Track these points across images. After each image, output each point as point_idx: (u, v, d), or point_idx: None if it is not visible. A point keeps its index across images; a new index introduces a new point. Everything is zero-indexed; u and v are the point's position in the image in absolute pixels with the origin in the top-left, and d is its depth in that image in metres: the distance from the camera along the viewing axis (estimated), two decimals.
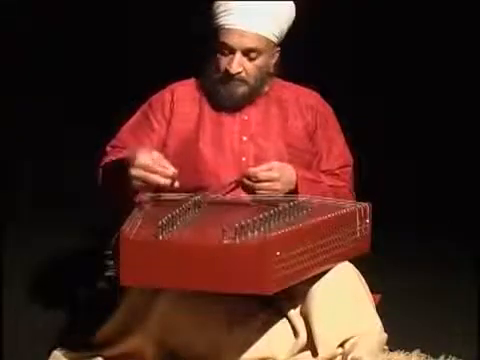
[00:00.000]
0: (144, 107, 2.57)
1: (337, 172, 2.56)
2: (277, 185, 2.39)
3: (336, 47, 4.29)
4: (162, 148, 2.46)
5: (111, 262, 2.47)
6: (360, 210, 2.28)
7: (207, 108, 2.52)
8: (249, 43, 2.42)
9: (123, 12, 4.40)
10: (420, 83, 4.36)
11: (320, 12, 3.86)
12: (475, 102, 4.30)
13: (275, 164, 2.41)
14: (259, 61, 2.46)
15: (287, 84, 2.62)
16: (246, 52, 2.43)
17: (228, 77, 2.44)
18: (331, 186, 2.51)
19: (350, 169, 2.60)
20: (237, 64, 2.42)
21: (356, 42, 4.34)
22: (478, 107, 4.31)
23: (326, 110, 2.61)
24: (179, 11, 4.05)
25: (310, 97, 2.60)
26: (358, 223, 2.28)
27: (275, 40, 2.48)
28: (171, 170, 2.22)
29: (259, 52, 2.44)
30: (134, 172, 2.21)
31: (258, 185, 2.39)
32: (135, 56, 4.36)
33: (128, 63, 4.38)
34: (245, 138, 2.50)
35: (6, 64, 4.16)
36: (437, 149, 4.27)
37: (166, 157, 2.34)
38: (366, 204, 2.31)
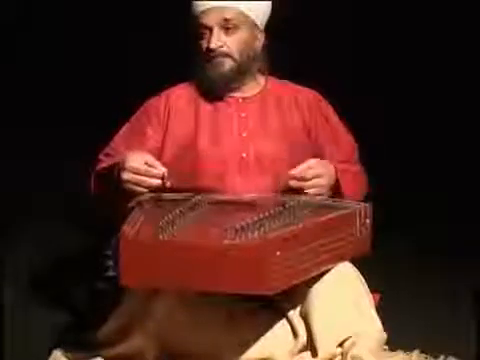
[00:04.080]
0: (137, 114, 2.57)
1: (352, 160, 2.59)
2: (323, 181, 2.39)
3: (336, 47, 4.29)
4: (157, 154, 2.45)
5: (111, 262, 2.47)
6: (360, 210, 2.28)
7: (203, 107, 2.53)
8: (222, 14, 2.46)
9: (123, 12, 4.40)
10: (420, 83, 4.35)
11: (320, 12, 3.86)
12: (476, 101, 4.30)
13: (312, 162, 2.40)
14: (238, 34, 2.48)
15: (284, 82, 2.63)
16: (223, 25, 2.46)
17: (211, 55, 2.46)
18: (357, 173, 2.55)
19: (357, 152, 2.64)
20: (216, 38, 2.46)
21: (356, 42, 4.33)
22: (478, 105, 4.31)
23: (324, 104, 2.62)
24: (179, 13, 4.04)
25: (307, 93, 2.61)
26: (358, 223, 2.28)
27: (251, 15, 2.50)
28: (161, 170, 2.23)
29: (235, 24, 2.47)
30: (125, 176, 2.23)
31: (306, 184, 2.37)
32: (134, 57, 4.36)
33: (128, 64, 4.38)
34: (244, 134, 2.51)
35: (6, 64, 4.16)
36: (437, 149, 4.27)
37: (164, 161, 2.36)
38: (366, 204, 2.32)
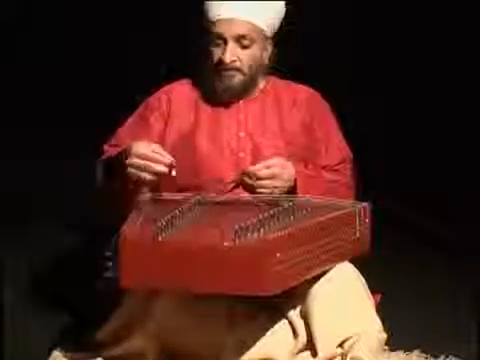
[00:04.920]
0: (141, 108, 2.58)
1: (337, 168, 2.55)
2: (277, 182, 2.39)
3: (336, 47, 4.29)
4: (160, 142, 2.46)
5: (110, 263, 2.47)
6: (360, 210, 2.28)
7: (204, 106, 2.53)
8: (240, 29, 2.43)
9: (124, 11, 4.40)
10: (420, 83, 4.36)
11: (320, 12, 3.86)
12: (475, 101, 4.30)
13: (274, 161, 2.40)
14: (252, 50, 2.46)
15: (283, 81, 2.62)
16: (238, 39, 2.44)
17: (222, 68, 2.44)
18: (331, 182, 2.51)
19: (350, 164, 2.60)
20: (230, 53, 2.43)
21: (356, 42, 4.34)
22: (478, 105, 4.31)
23: (323, 106, 2.61)
24: (179, 11, 4.04)
25: (306, 93, 2.60)
26: (358, 223, 2.27)
27: (265, 29, 2.49)
28: (168, 158, 2.21)
29: (251, 40, 2.45)
30: (130, 160, 2.21)
31: (258, 183, 2.39)
32: (134, 57, 4.36)
33: (127, 64, 4.38)
34: (242, 134, 2.51)
35: (6, 64, 4.17)
36: (437, 149, 4.27)
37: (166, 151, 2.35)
38: (366, 204, 2.31)
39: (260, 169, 2.38)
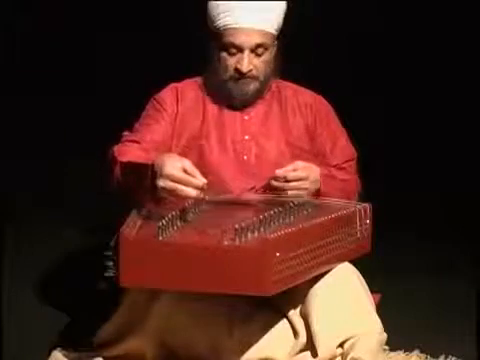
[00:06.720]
0: (150, 103, 2.54)
1: (344, 166, 2.56)
2: (306, 184, 2.39)
3: (336, 47, 4.29)
4: (171, 135, 2.46)
5: (111, 263, 2.47)
6: (360, 211, 2.28)
7: (210, 107, 2.52)
8: (257, 39, 2.43)
9: (125, 12, 4.40)
10: (420, 83, 4.36)
11: (320, 12, 3.87)
12: (475, 101, 4.31)
13: (299, 164, 2.40)
14: (266, 56, 2.46)
15: (286, 83, 2.62)
16: (254, 48, 2.43)
17: (239, 76, 2.44)
18: (343, 180, 2.52)
19: (355, 162, 2.61)
20: (248, 63, 2.43)
21: (356, 42, 4.34)
22: (477, 106, 4.31)
23: (325, 107, 2.61)
24: (181, 12, 4.05)
25: (309, 96, 2.61)
26: (358, 224, 2.28)
27: (276, 33, 2.49)
28: (201, 181, 2.14)
29: (265, 47, 2.45)
30: (162, 183, 2.12)
31: (288, 186, 2.38)
32: (134, 57, 4.37)
33: (127, 64, 4.38)
34: (247, 137, 2.51)
35: (7, 64, 4.16)
36: (437, 150, 4.27)
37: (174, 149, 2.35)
38: (366, 205, 2.32)
39: (289, 171, 2.37)
